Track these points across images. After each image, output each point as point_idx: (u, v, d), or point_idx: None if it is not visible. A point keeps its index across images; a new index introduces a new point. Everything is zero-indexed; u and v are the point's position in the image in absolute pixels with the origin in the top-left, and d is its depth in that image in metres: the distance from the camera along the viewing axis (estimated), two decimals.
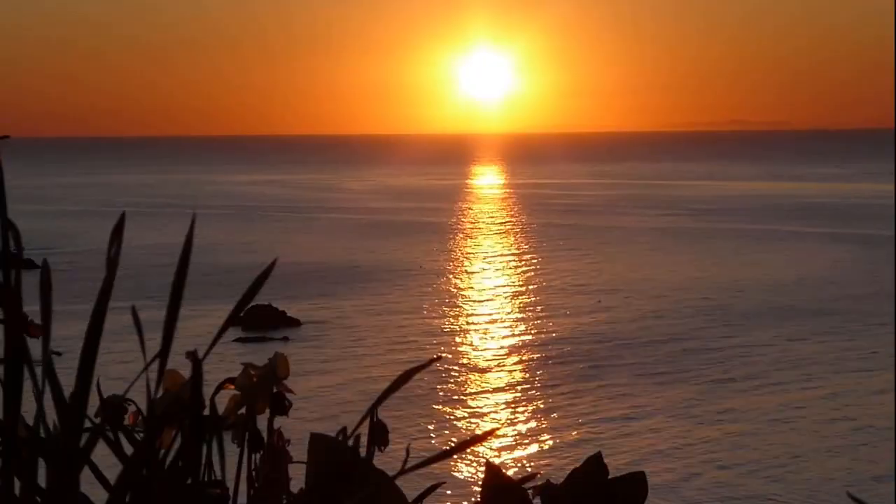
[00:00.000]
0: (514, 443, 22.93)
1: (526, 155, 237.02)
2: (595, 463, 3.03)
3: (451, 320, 35.87)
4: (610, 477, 3.02)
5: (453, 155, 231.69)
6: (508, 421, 24.35)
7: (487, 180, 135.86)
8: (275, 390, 2.32)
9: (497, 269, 49.12)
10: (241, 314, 2.07)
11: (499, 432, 23.08)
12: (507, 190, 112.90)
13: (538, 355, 30.82)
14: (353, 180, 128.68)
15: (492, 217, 77.73)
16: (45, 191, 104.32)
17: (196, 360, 1.85)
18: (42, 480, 1.82)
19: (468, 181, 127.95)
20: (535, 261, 51.77)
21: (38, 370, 1.85)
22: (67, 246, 55.02)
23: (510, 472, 3.36)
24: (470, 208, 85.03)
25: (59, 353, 1.89)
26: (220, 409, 2.22)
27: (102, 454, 1.94)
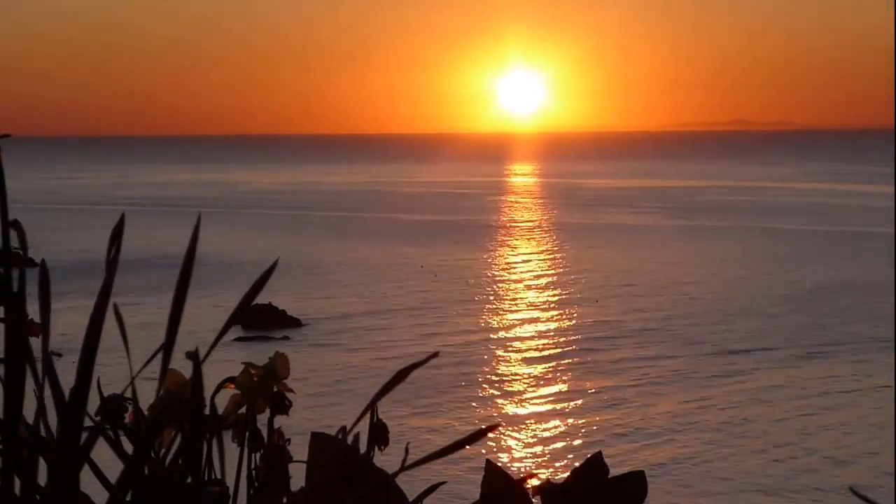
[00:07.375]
0: (514, 441, 22.93)
1: (551, 152, 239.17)
2: (595, 462, 3.04)
3: (452, 319, 35.86)
4: (610, 476, 3.03)
5: (483, 153, 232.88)
6: (508, 418, 24.36)
7: (502, 177, 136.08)
8: (275, 390, 2.32)
9: (498, 268, 49.11)
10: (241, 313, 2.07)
11: (498, 430, 23.04)
12: (517, 187, 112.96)
13: (538, 353, 30.82)
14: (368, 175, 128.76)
15: (497, 215, 77.72)
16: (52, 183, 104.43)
17: (196, 360, 1.84)
18: (42, 480, 1.82)
19: (475, 179, 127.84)
20: (537, 258, 51.78)
21: (39, 369, 1.84)
22: (65, 243, 55.04)
23: (510, 471, 3.36)
24: (473, 207, 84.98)
25: (58, 355, 1.89)
26: (220, 408, 2.21)
27: (103, 453, 1.94)
